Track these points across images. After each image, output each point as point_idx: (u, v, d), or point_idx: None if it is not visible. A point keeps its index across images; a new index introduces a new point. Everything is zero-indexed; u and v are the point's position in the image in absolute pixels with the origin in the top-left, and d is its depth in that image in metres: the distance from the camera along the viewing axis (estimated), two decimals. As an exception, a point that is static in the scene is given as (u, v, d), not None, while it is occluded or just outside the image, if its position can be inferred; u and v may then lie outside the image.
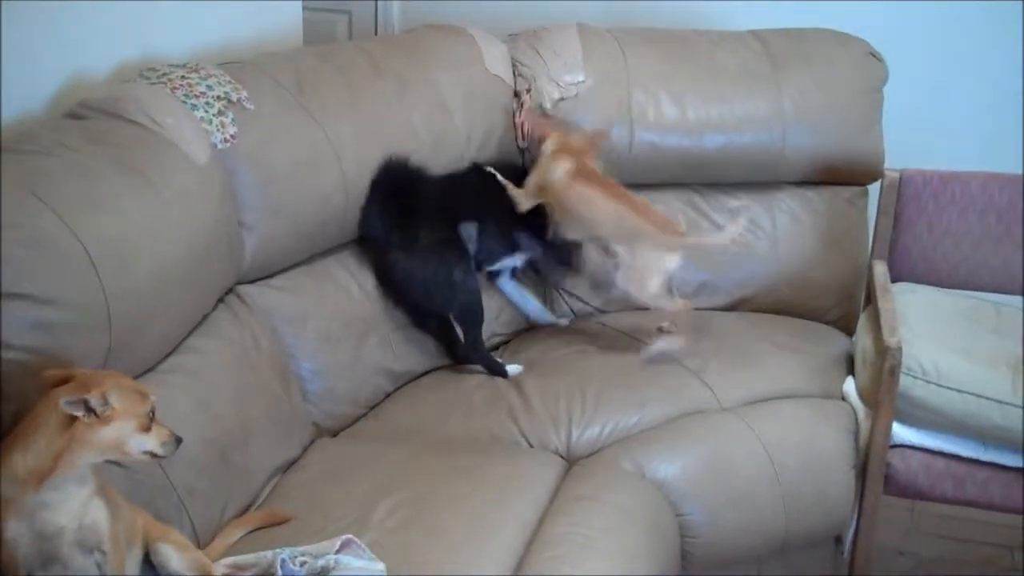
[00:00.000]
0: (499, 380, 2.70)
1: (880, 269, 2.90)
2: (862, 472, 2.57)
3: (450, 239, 2.72)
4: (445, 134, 2.84)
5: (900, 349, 2.46)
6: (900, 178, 2.91)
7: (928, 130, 3.40)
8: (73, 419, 1.63)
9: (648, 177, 3.12)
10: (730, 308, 3.12)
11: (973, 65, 3.47)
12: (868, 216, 3.17)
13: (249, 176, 2.40)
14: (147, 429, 1.71)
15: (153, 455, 1.74)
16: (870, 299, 2.86)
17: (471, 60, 2.99)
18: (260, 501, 2.26)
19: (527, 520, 2.18)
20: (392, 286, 2.72)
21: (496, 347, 2.91)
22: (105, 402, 1.64)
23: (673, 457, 2.46)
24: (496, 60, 3.04)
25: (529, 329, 3.03)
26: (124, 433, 1.68)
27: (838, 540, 2.67)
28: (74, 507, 1.67)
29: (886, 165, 3.08)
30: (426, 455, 2.39)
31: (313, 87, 2.61)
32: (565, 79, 3.04)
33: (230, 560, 1.97)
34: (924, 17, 3.45)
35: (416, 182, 2.73)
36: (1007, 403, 2.46)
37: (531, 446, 2.50)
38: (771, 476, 2.49)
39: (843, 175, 3.17)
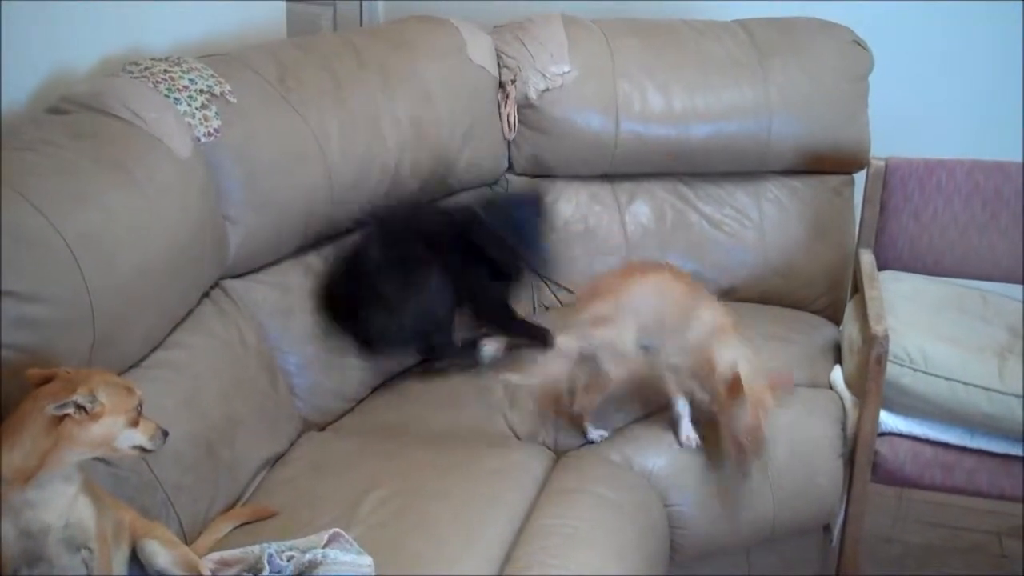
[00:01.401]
0: (486, 373, 2.67)
1: (867, 258, 2.90)
2: (850, 461, 2.58)
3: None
4: (429, 125, 2.82)
5: (887, 337, 2.46)
6: (886, 166, 2.91)
7: (914, 118, 3.39)
8: (61, 417, 1.62)
9: (634, 167, 3.12)
10: (717, 298, 3.12)
11: (959, 53, 3.46)
12: (854, 205, 3.17)
13: (233, 170, 2.39)
14: (135, 424, 1.71)
15: (142, 450, 1.73)
16: (857, 288, 2.87)
17: (456, 51, 2.98)
18: (247, 496, 2.25)
19: (516, 512, 2.18)
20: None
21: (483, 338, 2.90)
22: (94, 399, 1.64)
23: (661, 448, 2.46)
24: (481, 51, 3.03)
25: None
26: (113, 429, 1.68)
27: (826, 529, 2.68)
28: (61, 505, 1.66)
29: (872, 153, 3.08)
30: (414, 449, 2.39)
31: (296, 79, 2.59)
32: (551, 70, 3.04)
33: (217, 555, 1.97)
34: (909, 5, 3.44)
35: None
36: (994, 390, 2.46)
37: (519, 439, 2.50)
38: (759, 466, 2.48)
39: (829, 164, 3.17)
